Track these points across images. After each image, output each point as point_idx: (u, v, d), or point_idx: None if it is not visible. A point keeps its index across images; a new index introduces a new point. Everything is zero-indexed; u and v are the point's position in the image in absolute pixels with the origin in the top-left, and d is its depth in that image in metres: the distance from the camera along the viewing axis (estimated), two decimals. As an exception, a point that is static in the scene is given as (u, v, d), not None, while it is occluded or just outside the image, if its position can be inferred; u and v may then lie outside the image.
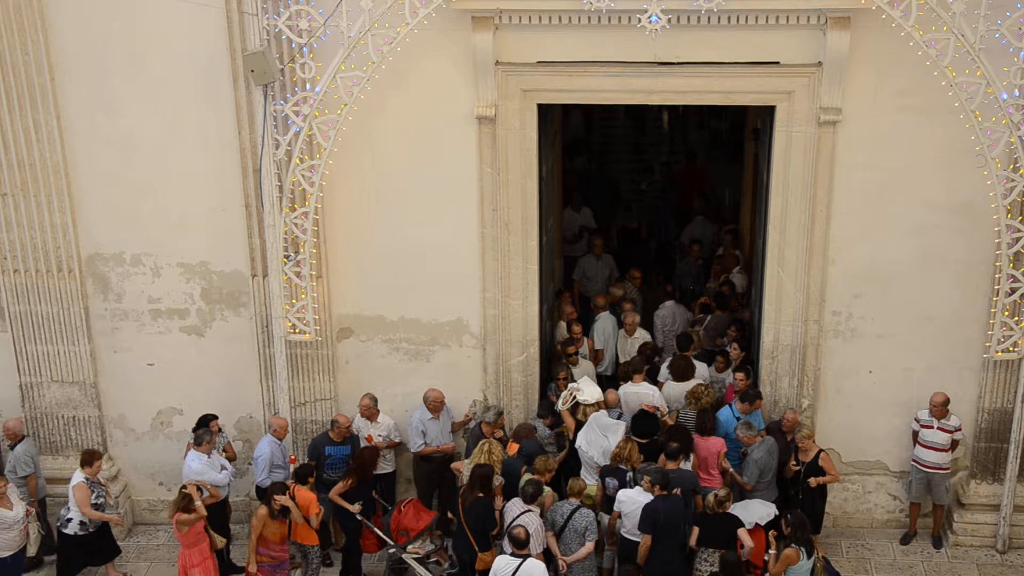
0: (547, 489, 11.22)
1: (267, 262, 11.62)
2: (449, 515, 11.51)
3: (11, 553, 11.15)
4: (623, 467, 11.31)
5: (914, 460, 12.11)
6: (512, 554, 10.35)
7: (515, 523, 10.59)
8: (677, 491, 10.86)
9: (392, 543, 11.53)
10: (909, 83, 10.93)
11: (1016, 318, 11.39)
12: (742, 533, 10.82)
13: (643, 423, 11.72)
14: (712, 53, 10.98)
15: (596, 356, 13.62)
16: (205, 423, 11.79)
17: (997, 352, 11.49)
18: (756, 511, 11.35)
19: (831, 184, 11.38)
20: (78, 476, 11.45)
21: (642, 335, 13.67)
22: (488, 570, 10.57)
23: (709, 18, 10.74)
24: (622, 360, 13.42)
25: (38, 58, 11.33)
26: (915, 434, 12.05)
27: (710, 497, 10.93)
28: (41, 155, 11.65)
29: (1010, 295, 11.26)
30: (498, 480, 11.20)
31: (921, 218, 11.46)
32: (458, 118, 11.39)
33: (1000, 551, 12.29)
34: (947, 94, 10.60)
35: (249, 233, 11.81)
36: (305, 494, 11.26)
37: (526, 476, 11.17)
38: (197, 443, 11.59)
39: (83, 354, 12.37)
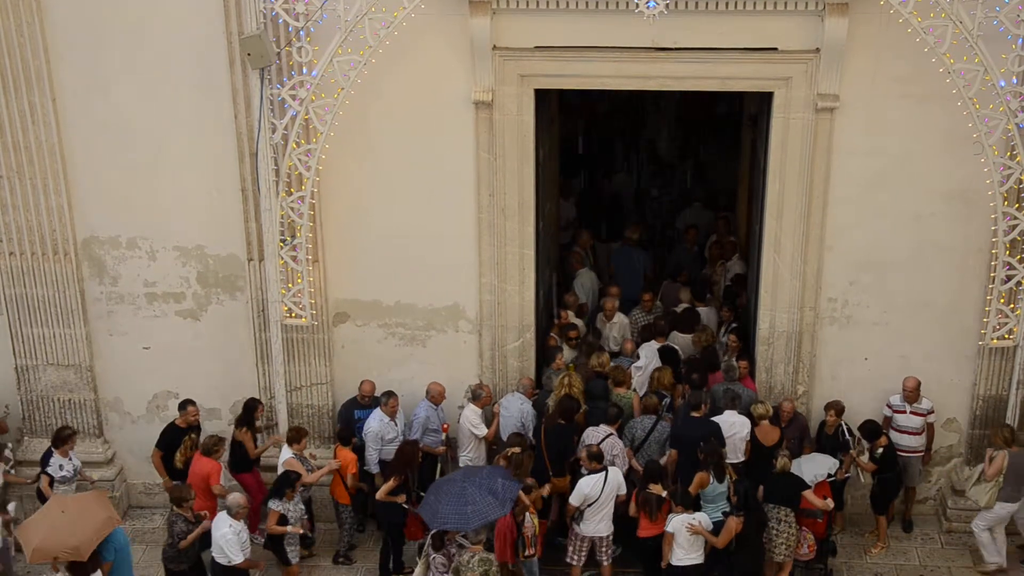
0: (632, 392, 12.17)
1: (263, 246, 11.61)
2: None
3: None
4: (662, 391, 12.10)
5: None
6: (592, 471, 10.97)
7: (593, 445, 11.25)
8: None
9: None
10: (907, 70, 10.91)
11: (1012, 305, 11.40)
12: (808, 495, 11.05)
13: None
14: (710, 39, 10.96)
15: (581, 310, 13.95)
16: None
17: (992, 339, 11.51)
18: (822, 463, 11.54)
19: (828, 171, 11.37)
20: (286, 452, 11.63)
21: (620, 319, 13.76)
22: (551, 496, 11.41)
23: (707, 4, 10.72)
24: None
25: (34, 40, 11.30)
26: (887, 419, 12.05)
27: (781, 459, 11.20)
28: (37, 138, 11.63)
29: (1006, 282, 11.28)
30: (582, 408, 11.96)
31: (918, 205, 11.46)
32: (455, 103, 11.36)
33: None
34: (945, 81, 10.59)
35: (245, 217, 11.79)
36: (346, 454, 11.76)
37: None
38: (375, 405, 12.04)
39: (79, 337, 12.38)
